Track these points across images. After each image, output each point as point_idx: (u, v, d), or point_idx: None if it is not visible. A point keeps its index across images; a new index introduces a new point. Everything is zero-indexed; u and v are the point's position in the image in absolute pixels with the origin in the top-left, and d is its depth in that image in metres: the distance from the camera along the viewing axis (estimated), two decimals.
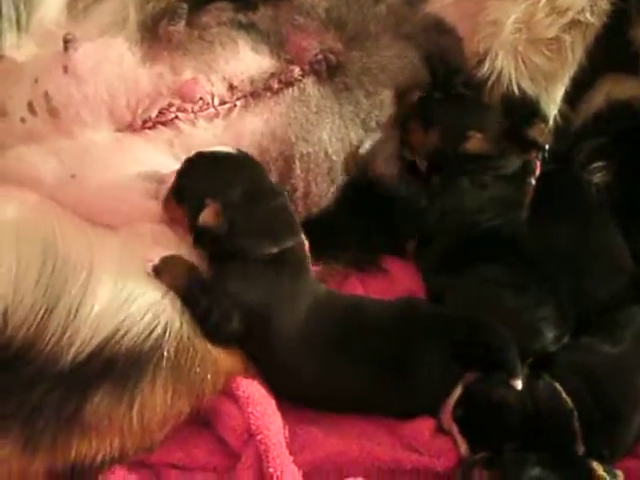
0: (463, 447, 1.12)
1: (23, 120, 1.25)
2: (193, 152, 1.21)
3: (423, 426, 1.18)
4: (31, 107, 1.24)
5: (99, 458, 1.07)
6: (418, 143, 1.39)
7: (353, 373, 1.17)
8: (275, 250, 1.16)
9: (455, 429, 1.13)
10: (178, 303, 1.15)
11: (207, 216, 1.14)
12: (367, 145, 1.38)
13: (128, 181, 1.23)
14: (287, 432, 1.15)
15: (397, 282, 1.38)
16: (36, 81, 1.25)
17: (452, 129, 1.36)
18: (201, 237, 1.16)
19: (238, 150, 1.21)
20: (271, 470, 1.08)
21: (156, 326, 1.11)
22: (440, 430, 1.18)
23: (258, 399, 1.14)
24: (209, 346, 1.14)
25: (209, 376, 1.13)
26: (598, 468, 1.06)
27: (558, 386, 1.11)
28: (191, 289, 1.15)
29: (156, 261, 1.16)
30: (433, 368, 1.17)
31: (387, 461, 1.15)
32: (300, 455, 1.13)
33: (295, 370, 1.17)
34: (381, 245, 1.42)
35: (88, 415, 1.06)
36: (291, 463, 1.10)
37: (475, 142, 1.35)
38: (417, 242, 1.39)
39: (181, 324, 1.13)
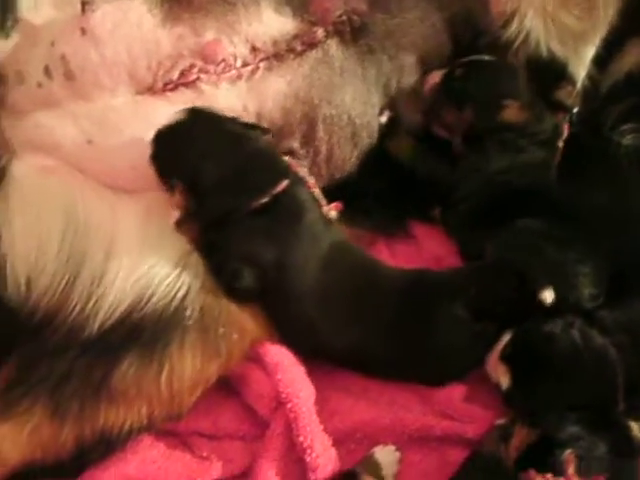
0: (505, 383, 1.10)
1: (40, 85, 1.22)
2: None
3: (454, 392, 1.16)
4: (47, 71, 1.21)
5: (127, 426, 1.06)
6: (454, 124, 1.36)
7: (370, 330, 1.15)
8: (266, 199, 1.12)
9: (501, 369, 1.11)
10: (200, 264, 1.13)
11: (176, 201, 1.12)
12: (385, 117, 1.35)
13: (145, 147, 1.18)
14: (316, 399, 1.12)
15: (424, 247, 1.36)
16: (53, 44, 1.21)
17: (486, 102, 1.32)
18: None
19: (194, 110, 1.16)
20: (301, 439, 1.06)
21: (180, 287, 1.10)
22: (471, 397, 1.16)
23: (287, 366, 1.12)
24: (232, 306, 1.13)
25: (235, 335, 1.11)
26: (634, 428, 1.04)
27: (605, 338, 1.09)
28: (206, 245, 1.14)
29: (177, 214, 1.14)
30: (454, 330, 1.15)
31: (418, 428, 1.13)
32: (329, 422, 1.11)
33: (311, 321, 1.14)
34: (407, 210, 1.40)
35: (116, 382, 1.05)
36: (321, 431, 1.09)
37: (512, 111, 1.31)
38: (443, 206, 1.36)
39: (203, 283, 1.12)
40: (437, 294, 1.16)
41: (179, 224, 1.14)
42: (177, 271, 1.11)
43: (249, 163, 1.14)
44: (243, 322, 1.13)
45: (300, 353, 1.16)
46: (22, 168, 1.16)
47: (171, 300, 1.09)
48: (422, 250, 1.36)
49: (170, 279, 1.10)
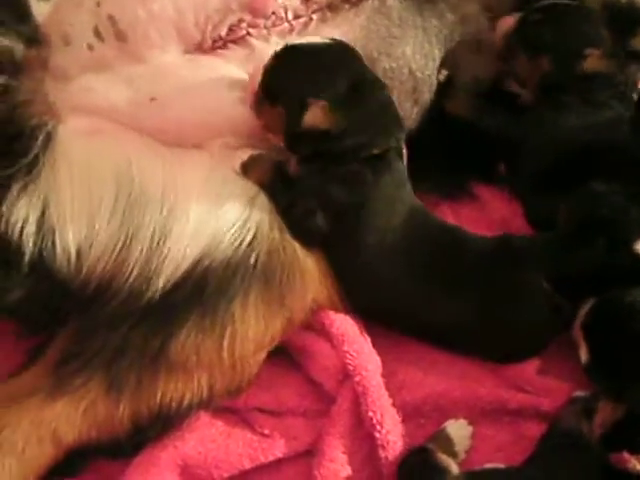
0: (584, 355, 1.03)
1: (91, 47, 1.15)
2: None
3: (528, 365, 1.09)
4: (97, 32, 1.14)
5: (186, 400, 1.00)
6: (527, 75, 1.27)
7: (445, 297, 1.08)
8: (377, 151, 1.08)
9: (581, 340, 1.04)
10: (266, 207, 1.08)
11: (314, 117, 1.05)
12: (442, 76, 1.28)
13: (213, 93, 1.13)
14: (382, 372, 1.06)
15: (490, 210, 1.28)
16: (98, 5, 1.15)
17: (565, 51, 1.23)
18: (300, 141, 1.08)
19: (331, 39, 1.11)
20: (370, 414, 1.00)
21: (246, 233, 1.05)
22: (546, 368, 1.10)
23: (354, 337, 1.06)
24: (297, 249, 1.07)
25: (298, 286, 1.06)
26: None
27: None
28: (276, 184, 1.09)
29: (244, 158, 1.10)
30: (537, 304, 1.07)
31: (491, 401, 1.06)
32: (398, 396, 1.05)
33: (381, 280, 1.08)
34: (470, 170, 1.32)
35: (174, 352, 1.00)
36: (391, 406, 1.03)
37: (594, 60, 1.21)
38: (508, 166, 1.27)
39: (270, 227, 1.07)
40: (522, 264, 1.08)
41: (247, 166, 1.09)
42: (245, 215, 1.06)
43: (380, 107, 1.10)
44: (306, 272, 1.07)
45: (363, 313, 1.10)
46: (69, 133, 1.09)
47: (238, 247, 1.04)
48: (488, 212, 1.28)
49: (237, 225, 1.05)
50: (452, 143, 1.29)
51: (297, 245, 1.07)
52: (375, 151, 1.07)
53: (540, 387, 1.08)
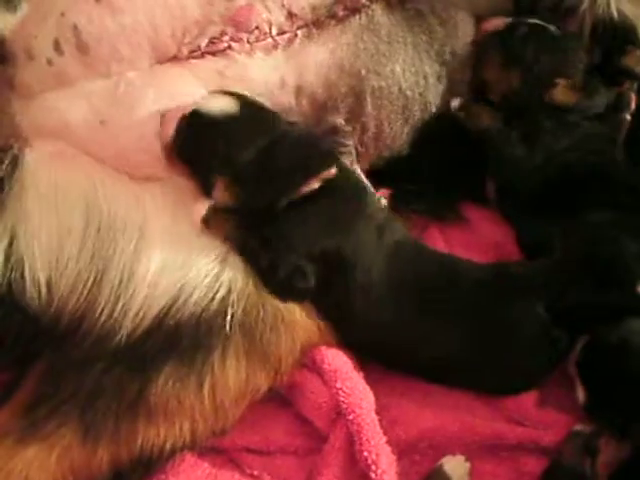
0: (581, 396, 0.99)
1: (50, 62, 1.08)
2: (243, 88, 1.06)
3: (526, 397, 1.05)
4: (57, 45, 1.07)
5: (168, 445, 0.94)
6: (494, 82, 1.25)
7: (440, 331, 1.04)
8: (317, 185, 0.99)
9: (576, 378, 1.00)
10: (239, 262, 1.01)
11: (219, 195, 0.99)
12: (457, 102, 1.24)
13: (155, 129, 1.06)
14: (375, 408, 1.01)
15: (480, 233, 1.24)
16: (63, 15, 1.07)
17: (536, 74, 1.21)
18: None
19: (235, 97, 1.04)
20: (365, 454, 0.95)
21: (219, 287, 0.98)
22: (544, 400, 1.05)
23: (347, 373, 1.00)
24: (279, 304, 1.01)
25: (284, 341, 1.00)
26: None
27: None
28: (247, 242, 1.01)
29: (203, 211, 1.00)
30: (531, 333, 1.03)
31: (489, 436, 1.02)
32: (391, 432, 0.99)
33: (374, 317, 1.03)
34: (460, 191, 1.28)
35: (153, 397, 0.94)
36: (386, 444, 0.97)
37: (561, 91, 1.20)
38: (499, 187, 1.23)
39: (246, 282, 1.00)
40: (520, 292, 1.04)
41: (208, 220, 1.01)
42: (216, 269, 0.99)
43: (293, 152, 1.02)
44: (292, 322, 1.01)
45: (359, 353, 1.05)
46: (36, 157, 1.03)
47: (210, 301, 0.98)
48: (479, 236, 1.24)
49: (209, 278, 0.98)
50: (442, 164, 1.25)
51: (280, 303, 1.01)
52: (314, 186, 0.99)
53: (539, 420, 1.04)
